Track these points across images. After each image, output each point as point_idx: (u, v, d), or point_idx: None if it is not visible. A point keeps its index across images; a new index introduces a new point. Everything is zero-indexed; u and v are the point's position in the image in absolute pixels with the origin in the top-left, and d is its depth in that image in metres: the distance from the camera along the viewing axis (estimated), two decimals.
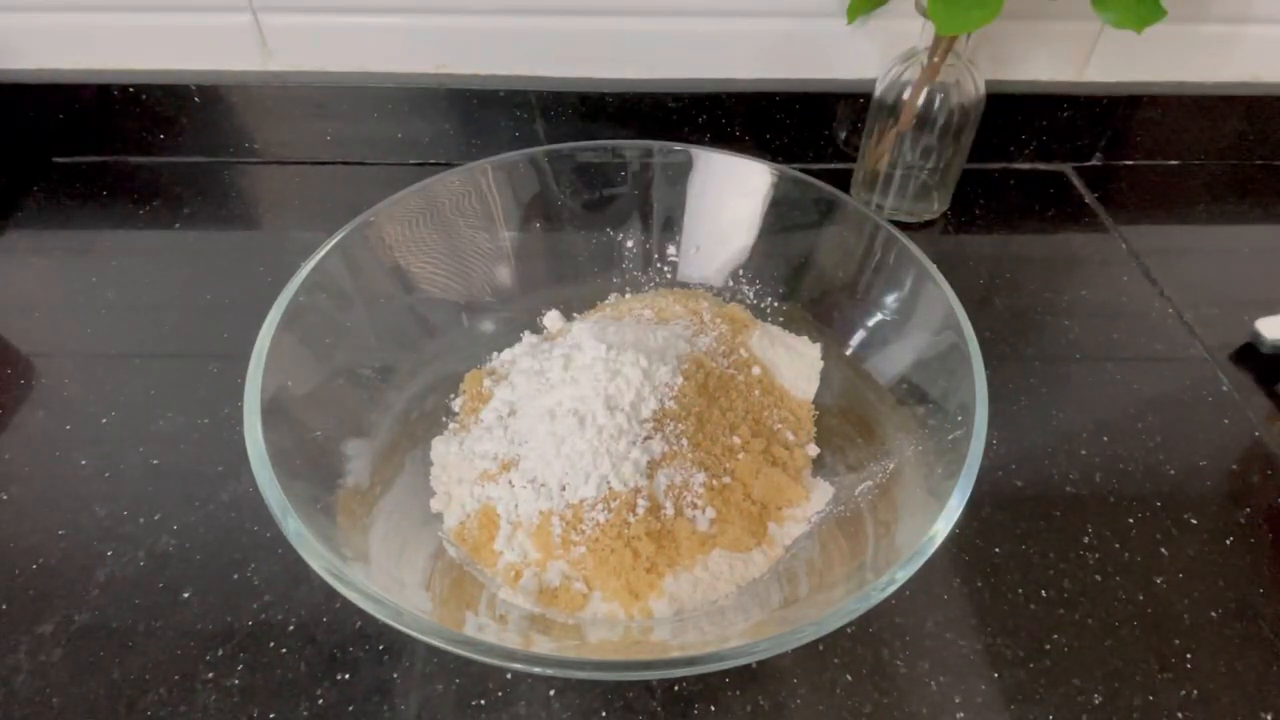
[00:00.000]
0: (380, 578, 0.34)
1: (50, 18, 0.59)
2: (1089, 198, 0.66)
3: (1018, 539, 0.43)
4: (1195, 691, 0.37)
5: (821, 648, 0.38)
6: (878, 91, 0.57)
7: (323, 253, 0.41)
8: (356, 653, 0.37)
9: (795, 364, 0.47)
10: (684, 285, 0.53)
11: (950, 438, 0.37)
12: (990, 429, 0.35)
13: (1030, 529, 0.43)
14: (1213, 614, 0.40)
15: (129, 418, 0.47)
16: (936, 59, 0.53)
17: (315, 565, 0.31)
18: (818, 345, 0.48)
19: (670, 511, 0.39)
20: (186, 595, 0.39)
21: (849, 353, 0.47)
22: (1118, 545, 0.43)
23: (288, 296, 0.39)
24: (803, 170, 0.49)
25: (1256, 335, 0.52)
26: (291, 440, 0.36)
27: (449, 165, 0.59)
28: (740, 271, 0.52)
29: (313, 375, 0.41)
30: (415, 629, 0.29)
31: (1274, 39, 0.63)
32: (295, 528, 0.31)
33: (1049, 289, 0.58)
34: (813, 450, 0.45)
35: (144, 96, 0.62)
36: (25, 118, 0.62)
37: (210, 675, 0.37)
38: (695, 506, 0.40)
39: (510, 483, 0.40)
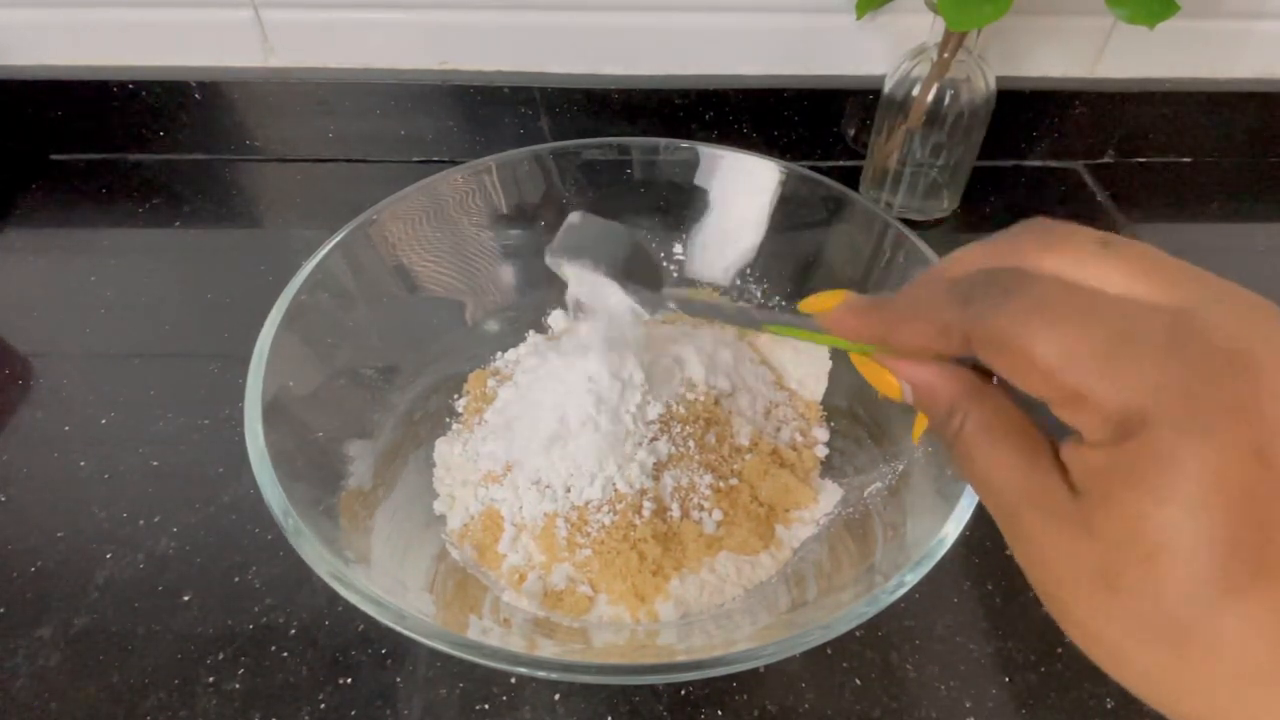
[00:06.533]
0: (383, 580, 0.33)
1: (49, 13, 0.59)
2: (1101, 195, 0.65)
3: None
4: None
5: (830, 651, 0.38)
6: (887, 88, 0.56)
7: (325, 251, 0.41)
8: (359, 656, 0.37)
9: (803, 364, 0.47)
10: (690, 284, 0.52)
11: None
12: None
13: None
14: None
15: (129, 418, 0.46)
16: (947, 55, 0.52)
17: (317, 568, 0.30)
18: None
19: (676, 513, 0.39)
20: (187, 598, 0.39)
21: None
22: None
23: (289, 296, 0.39)
24: (811, 168, 0.48)
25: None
26: (293, 441, 0.36)
27: (453, 163, 0.59)
28: (748, 270, 0.51)
29: (315, 375, 0.40)
30: (418, 632, 0.29)
31: None
32: (297, 529, 0.31)
33: None
34: (821, 451, 0.44)
35: (144, 93, 0.61)
36: (23, 114, 0.62)
37: (211, 679, 0.36)
38: (702, 508, 0.39)
39: (514, 484, 0.40)
